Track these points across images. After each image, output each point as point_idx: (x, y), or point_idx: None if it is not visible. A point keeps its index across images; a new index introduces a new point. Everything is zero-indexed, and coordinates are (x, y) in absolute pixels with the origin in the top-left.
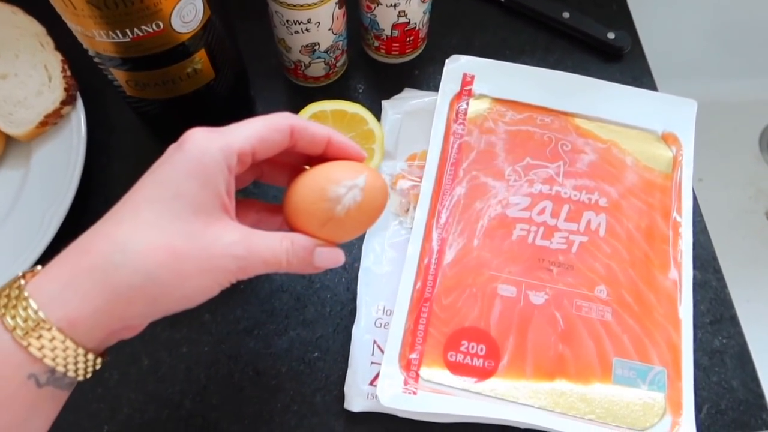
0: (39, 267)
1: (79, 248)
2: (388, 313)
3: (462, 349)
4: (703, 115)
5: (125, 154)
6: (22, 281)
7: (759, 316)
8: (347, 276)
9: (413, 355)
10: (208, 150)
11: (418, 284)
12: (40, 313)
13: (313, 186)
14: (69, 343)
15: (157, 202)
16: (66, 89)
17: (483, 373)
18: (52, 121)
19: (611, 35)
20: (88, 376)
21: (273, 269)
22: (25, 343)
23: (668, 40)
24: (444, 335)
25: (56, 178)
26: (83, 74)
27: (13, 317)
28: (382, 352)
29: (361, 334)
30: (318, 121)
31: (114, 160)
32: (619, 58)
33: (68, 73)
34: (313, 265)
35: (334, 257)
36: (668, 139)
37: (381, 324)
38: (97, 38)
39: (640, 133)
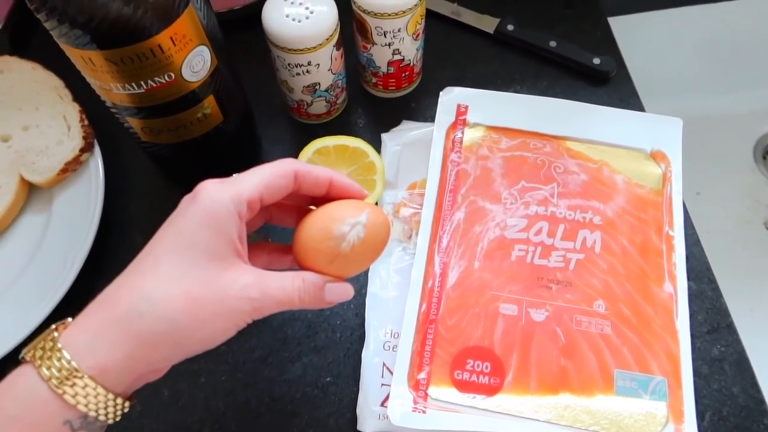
0: (70, 319)
1: (107, 300)
2: (396, 336)
3: (468, 367)
4: (697, 130)
5: (141, 195)
6: (55, 333)
7: (760, 325)
8: (355, 302)
9: (421, 375)
10: (219, 200)
11: (423, 307)
12: (73, 363)
13: (319, 225)
14: (100, 389)
15: (174, 253)
16: (84, 137)
17: (489, 390)
18: (72, 167)
19: (597, 60)
20: (118, 419)
21: (286, 307)
22: (60, 392)
23: (653, 61)
24: (450, 355)
25: (77, 221)
26: (99, 122)
27: (49, 368)
28: (392, 373)
29: (370, 357)
30: (321, 156)
31: (130, 202)
32: (605, 81)
33: (86, 122)
34: (324, 300)
35: (344, 292)
36: (657, 156)
37: (389, 347)
38: (114, 91)
39: (630, 153)
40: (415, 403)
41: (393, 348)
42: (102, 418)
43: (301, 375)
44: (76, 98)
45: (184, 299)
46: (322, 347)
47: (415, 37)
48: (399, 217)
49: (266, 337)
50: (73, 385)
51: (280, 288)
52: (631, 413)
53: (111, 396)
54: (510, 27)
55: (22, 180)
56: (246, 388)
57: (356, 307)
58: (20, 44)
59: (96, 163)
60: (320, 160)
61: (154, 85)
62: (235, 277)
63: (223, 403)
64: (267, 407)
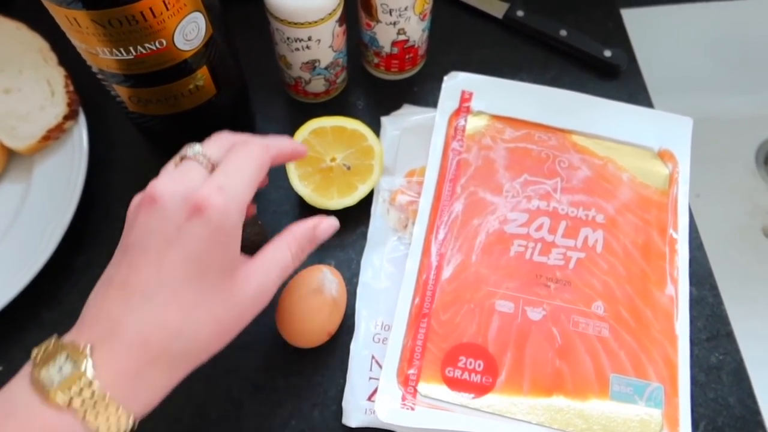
0: (86, 347)
1: (138, 341)
2: (387, 328)
3: (460, 364)
4: (699, 130)
5: (126, 168)
6: (90, 377)
7: (756, 332)
8: (346, 291)
9: (411, 371)
10: (227, 217)
11: (417, 300)
12: (121, 410)
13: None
14: (136, 425)
15: (192, 281)
16: (69, 104)
17: (481, 389)
18: (55, 135)
19: (608, 53)
20: None
21: (291, 270)
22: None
23: (664, 57)
24: (442, 351)
25: (58, 192)
26: (85, 89)
27: (96, 416)
28: (380, 367)
29: (359, 349)
30: (317, 137)
31: (115, 175)
32: (615, 75)
33: (71, 88)
34: (316, 239)
35: (331, 225)
36: (664, 156)
37: (379, 339)
38: (100, 55)
39: (637, 150)
40: (404, 399)
41: (383, 341)
42: None
43: (286, 364)
44: (62, 62)
45: (212, 327)
46: None
47: (422, 17)
48: (395, 205)
49: (251, 323)
50: (118, 426)
51: (284, 268)
52: (625, 419)
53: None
54: (519, 13)
55: (1, 146)
56: (228, 375)
57: (346, 297)
58: (4, 2)
59: (80, 132)
60: (316, 141)
61: (144, 51)
62: (245, 288)
63: (204, 390)
64: (249, 395)
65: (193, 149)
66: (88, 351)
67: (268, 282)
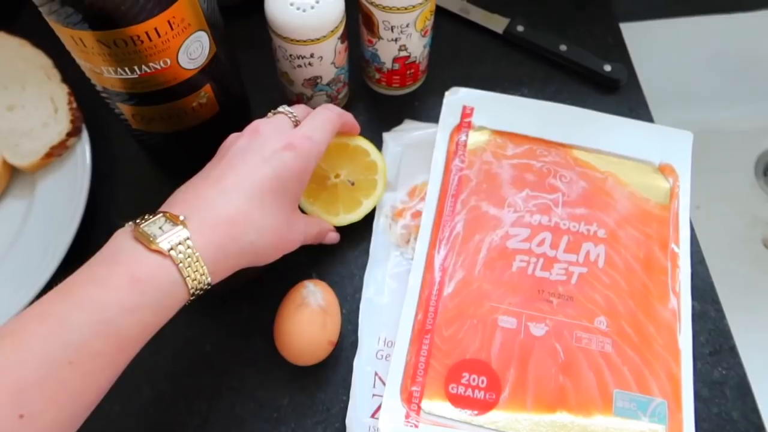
0: (181, 217)
1: (227, 218)
2: (390, 344)
3: (463, 381)
4: (698, 142)
5: (129, 184)
6: (190, 242)
7: (757, 343)
8: (348, 307)
9: (415, 388)
10: (311, 159)
11: (419, 316)
12: (205, 267)
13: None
14: (208, 287)
15: (274, 193)
16: (72, 121)
17: (484, 406)
18: (58, 152)
19: (608, 67)
20: None
21: (304, 243)
22: (191, 286)
23: (663, 70)
24: (445, 367)
25: (60, 209)
26: (88, 105)
27: (187, 266)
28: (384, 383)
29: (362, 365)
30: (339, 152)
31: (118, 191)
32: (615, 89)
33: (74, 105)
34: (321, 242)
35: (335, 238)
36: (665, 170)
37: (382, 355)
38: (105, 74)
39: (638, 165)
40: (407, 417)
41: (386, 357)
42: (188, 304)
43: (289, 381)
44: (65, 79)
45: (276, 236)
46: None
47: (423, 33)
48: (397, 221)
49: (255, 339)
50: (199, 282)
51: (311, 232)
52: None
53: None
54: (520, 28)
55: (4, 163)
56: (231, 391)
57: (348, 313)
58: (7, 19)
59: (83, 149)
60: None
61: (149, 70)
62: (298, 221)
63: (206, 405)
64: (252, 413)
65: (282, 107)
66: (183, 218)
67: (306, 233)
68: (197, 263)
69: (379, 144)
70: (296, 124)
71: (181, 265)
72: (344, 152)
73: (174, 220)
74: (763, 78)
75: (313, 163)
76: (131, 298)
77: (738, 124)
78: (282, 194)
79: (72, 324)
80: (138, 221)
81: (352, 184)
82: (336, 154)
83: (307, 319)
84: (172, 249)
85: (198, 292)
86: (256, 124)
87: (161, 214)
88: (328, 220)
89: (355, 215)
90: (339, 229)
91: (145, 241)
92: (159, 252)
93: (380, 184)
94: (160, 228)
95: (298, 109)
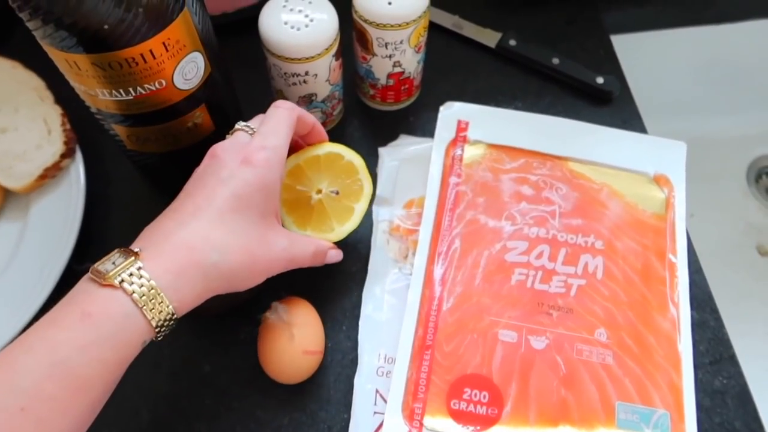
0: (137, 249)
1: (185, 244)
2: (390, 361)
3: (465, 396)
4: (691, 151)
5: (124, 205)
6: (140, 263)
7: (755, 351)
8: (347, 324)
9: (416, 405)
10: (271, 168)
11: (419, 331)
12: (162, 294)
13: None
14: (175, 317)
15: (237, 212)
16: (65, 142)
17: (487, 421)
18: (52, 174)
19: (600, 80)
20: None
21: (300, 266)
22: (150, 317)
23: (654, 82)
24: (447, 383)
25: (55, 231)
26: (82, 126)
27: (141, 296)
28: (385, 401)
29: (363, 383)
30: (295, 176)
31: (113, 211)
32: (608, 101)
33: (68, 126)
34: (323, 262)
35: (338, 256)
36: (660, 180)
37: (383, 372)
38: (99, 96)
39: (633, 176)
40: None
41: (387, 374)
42: (159, 338)
43: (289, 399)
44: (58, 100)
45: (245, 255)
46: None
47: (417, 49)
48: (395, 236)
49: (253, 359)
50: (160, 312)
51: (301, 252)
52: None
53: (174, 322)
54: (512, 42)
55: None
56: (230, 412)
57: (347, 330)
58: None
59: (77, 170)
60: (295, 180)
61: (144, 92)
62: (277, 239)
63: (205, 427)
64: None
65: (240, 123)
66: (138, 250)
67: (292, 250)
68: (153, 291)
69: (374, 159)
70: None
71: (135, 295)
72: (317, 165)
73: (128, 254)
74: (753, 87)
75: (276, 171)
76: (84, 335)
77: (729, 133)
78: (246, 212)
79: (22, 368)
80: (97, 262)
81: (337, 193)
82: (310, 170)
83: (272, 335)
84: (123, 281)
85: (165, 323)
86: (214, 148)
87: (116, 251)
88: (325, 238)
89: (351, 224)
90: (338, 242)
91: (98, 278)
92: (110, 286)
93: (366, 183)
94: (113, 263)
95: (256, 121)
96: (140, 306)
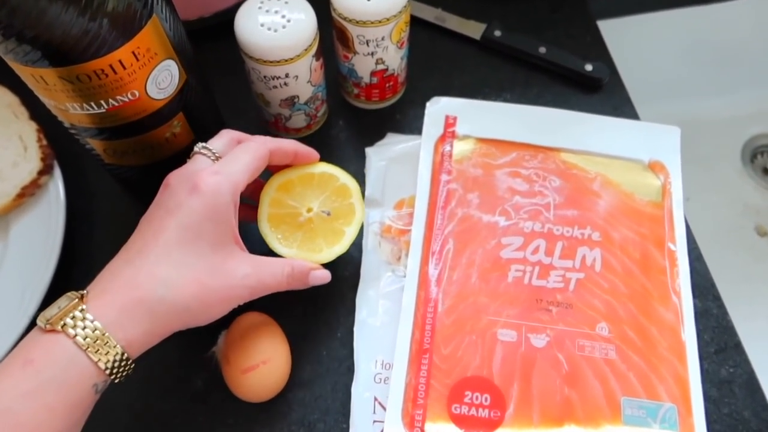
0: (86, 291)
1: (128, 282)
2: (387, 366)
3: (466, 400)
4: (684, 134)
5: (108, 220)
6: (83, 306)
7: (759, 333)
8: (342, 330)
9: (416, 411)
10: (221, 194)
11: (416, 335)
12: (107, 335)
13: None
14: (126, 357)
15: (184, 245)
16: (42, 159)
17: (489, 425)
18: (30, 192)
19: (589, 67)
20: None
21: (275, 291)
22: (95, 359)
23: (644, 66)
24: (447, 387)
25: (37, 251)
26: (60, 141)
27: (84, 338)
28: (384, 409)
29: (360, 391)
30: (286, 192)
31: (97, 228)
32: (598, 88)
33: (44, 142)
34: (307, 284)
35: (324, 277)
36: (655, 167)
37: (381, 379)
38: (71, 111)
39: (627, 164)
40: None
41: (384, 380)
42: (116, 381)
43: (286, 412)
44: (33, 116)
45: (196, 287)
46: (308, 381)
47: (399, 45)
48: (387, 238)
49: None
50: (107, 353)
51: (271, 276)
52: None
53: (131, 363)
54: (497, 33)
55: None
56: (226, 428)
57: (342, 336)
58: None
59: (56, 187)
60: (286, 196)
61: (116, 104)
62: (236, 267)
63: None
64: None
65: (198, 145)
66: (85, 293)
67: (257, 276)
68: (97, 332)
69: (361, 160)
70: (216, 159)
71: (78, 338)
72: (310, 183)
73: (73, 296)
74: (744, 66)
75: (226, 196)
76: (25, 382)
77: (722, 113)
78: (195, 242)
79: None
80: (45, 309)
81: (328, 214)
82: (302, 186)
83: (222, 365)
84: (65, 325)
85: (117, 365)
86: (168, 177)
87: (65, 295)
88: (312, 258)
89: (340, 247)
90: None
91: (42, 323)
92: (53, 331)
93: (358, 207)
94: (58, 307)
95: (219, 140)
96: (84, 349)
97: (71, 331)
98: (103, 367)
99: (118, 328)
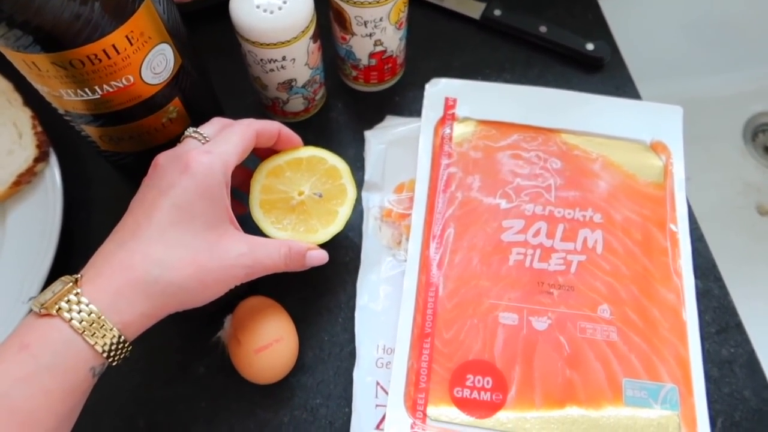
0: (79, 275)
1: (121, 264)
2: (389, 351)
3: (468, 383)
4: (686, 112)
5: (106, 206)
6: (78, 289)
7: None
8: (343, 315)
9: (419, 395)
10: (212, 173)
11: (418, 319)
12: (103, 318)
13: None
14: (123, 340)
15: (179, 224)
16: (38, 146)
17: (491, 407)
18: (26, 179)
19: (590, 46)
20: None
21: (272, 271)
22: (92, 342)
23: (645, 44)
24: (448, 371)
25: (34, 240)
26: (55, 127)
27: (80, 321)
28: (386, 393)
29: (362, 376)
30: (275, 177)
31: (94, 215)
32: (599, 68)
33: (39, 128)
34: (305, 265)
35: (321, 257)
36: (657, 147)
37: (382, 364)
38: (65, 97)
39: (629, 144)
40: (413, 427)
41: (386, 365)
42: (114, 363)
43: (289, 397)
44: (27, 102)
45: (191, 267)
46: (310, 366)
47: (398, 26)
48: (387, 222)
49: None
50: (103, 336)
51: (267, 256)
52: (642, 425)
53: (129, 346)
54: (497, 12)
55: None
56: (229, 413)
57: (344, 321)
58: None
59: (53, 174)
60: (276, 181)
61: (111, 90)
62: (231, 246)
63: (206, 428)
64: None
65: (189, 129)
66: (79, 276)
67: (252, 256)
68: (93, 316)
69: (360, 143)
70: (206, 142)
71: (73, 322)
72: (299, 167)
73: (67, 280)
74: (745, 44)
75: (219, 176)
76: (22, 366)
77: (723, 91)
78: (190, 222)
79: None
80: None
81: (320, 196)
82: (291, 171)
83: (229, 348)
84: (61, 309)
85: (114, 348)
86: (157, 157)
87: (59, 279)
88: (308, 239)
89: (335, 227)
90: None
91: (37, 308)
92: (48, 315)
93: (349, 187)
94: (52, 292)
95: (209, 126)
96: (80, 332)
97: (66, 315)
98: (100, 350)
99: (114, 311)
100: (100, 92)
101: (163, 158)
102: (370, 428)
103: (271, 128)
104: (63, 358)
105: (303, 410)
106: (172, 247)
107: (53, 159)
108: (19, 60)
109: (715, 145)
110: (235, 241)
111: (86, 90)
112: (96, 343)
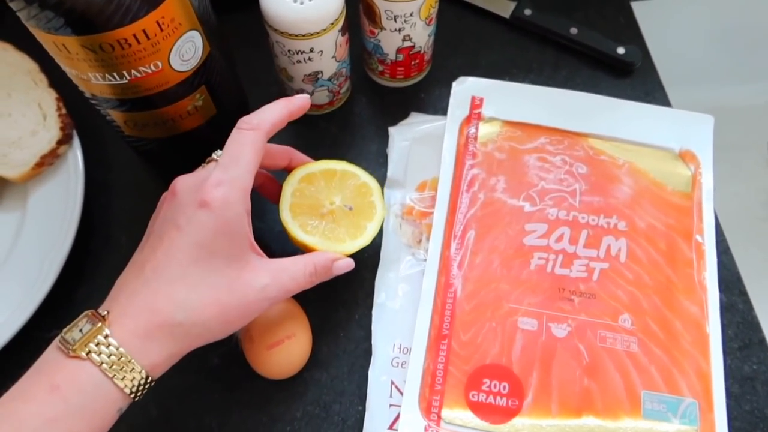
0: (105, 312)
1: (147, 306)
2: (405, 351)
3: (484, 387)
4: (714, 121)
5: (125, 192)
6: (107, 330)
7: None
8: (360, 313)
9: (433, 397)
10: (231, 207)
11: (435, 320)
12: (134, 362)
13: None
14: (150, 380)
15: (199, 263)
16: (62, 128)
17: (507, 413)
18: (49, 161)
19: (621, 50)
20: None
21: (298, 292)
22: (121, 385)
23: (677, 50)
24: (465, 374)
25: (55, 221)
26: (79, 110)
27: (111, 365)
28: (401, 393)
29: (377, 375)
30: (309, 184)
31: (114, 199)
32: (629, 73)
33: (63, 111)
34: (331, 276)
35: (348, 265)
36: (686, 156)
37: (398, 363)
38: (92, 81)
39: (657, 152)
40: (427, 429)
41: (402, 364)
42: (136, 400)
43: (302, 392)
44: (53, 83)
45: (214, 307)
46: (324, 362)
47: (428, 22)
48: (408, 220)
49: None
50: (132, 379)
51: (293, 279)
52: None
53: (152, 383)
54: (527, 12)
55: None
56: (241, 406)
57: (360, 318)
58: None
59: (75, 156)
60: (309, 188)
61: (139, 75)
62: (254, 279)
63: (216, 423)
64: (265, 427)
65: (217, 152)
66: (105, 314)
67: (277, 285)
68: (123, 359)
69: (384, 139)
70: None
71: (104, 366)
72: (333, 178)
73: (95, 318)
74: None
75: (238, 206)
76: (52, 408)
77: (750, 101)
78: (210, 260)
79: None
80: (65, 329)
81: (350, 209)
82: (325, 181)
83: (243, 344)
84: (90, 351)
85: (141, 387)
86: (174, 183)
87: (84, 315)
88: (335, 248)
89: (363, 240)
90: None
91: (65, 347)
92: (77, 357)
93: (378, 204)
94: (80, 331)
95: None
96: (110, 376)
97: (96, 358)
98: (128, 391)
99: (143, 355)
100: (128, 77)
101: (180, 185)
102: (384, 428)
103: (275, 117)
104: (92, 400)
105: (316, 406)
106: (193, 286)
107: (76, 142)
108: (49, 42)
109: (740, 155)
110: (257, 273)
111: (114, 74)
112: (125, 386)
